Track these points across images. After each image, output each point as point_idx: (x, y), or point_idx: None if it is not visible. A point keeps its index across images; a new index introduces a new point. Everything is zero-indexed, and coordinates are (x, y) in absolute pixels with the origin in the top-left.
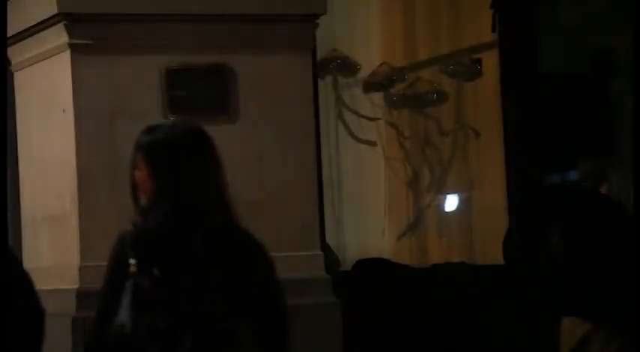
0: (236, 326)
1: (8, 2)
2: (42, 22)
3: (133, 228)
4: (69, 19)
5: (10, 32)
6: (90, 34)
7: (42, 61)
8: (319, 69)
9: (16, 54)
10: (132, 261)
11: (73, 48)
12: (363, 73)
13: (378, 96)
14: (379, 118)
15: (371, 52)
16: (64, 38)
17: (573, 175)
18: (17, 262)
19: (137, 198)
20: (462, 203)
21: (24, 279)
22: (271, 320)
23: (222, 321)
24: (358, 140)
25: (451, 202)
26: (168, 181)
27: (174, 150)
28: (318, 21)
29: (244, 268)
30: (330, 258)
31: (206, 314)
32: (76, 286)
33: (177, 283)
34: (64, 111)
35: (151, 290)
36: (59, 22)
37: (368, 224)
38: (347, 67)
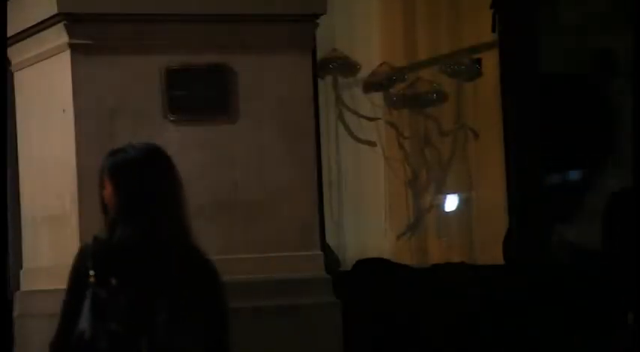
0: (187, 336)
1: (8, 2)
2: (42, 22)
3: (94, 240)
4: (69, 19)
5: (10, 32)
6: (90, 34)
7: (42, 61)
8: (319, 69)
9: (16, 54)
10: (91, 272)
11: (73, 48)
12: (363, 73)
13: (378, 96)
14: (379, 118)
15: (371, 52)
16: (64, 38)
17: (574, 175)
18: None
19: (106, 214)
20: (461, 203)
21: None
22: (219, 336)
23: (175, 330)
24: (358, 140)
25: (451, 202)
26: (130, 199)
27: (135, 170)
28: (318, 21)
29: (196, 285)
30: (330, 258)
31: (160, 322)
32: None
33: (132, 293)
34: (64, 111)
35: (108, 299)
36: (59, 22)
37: (368, 224)
38: (347, 67)
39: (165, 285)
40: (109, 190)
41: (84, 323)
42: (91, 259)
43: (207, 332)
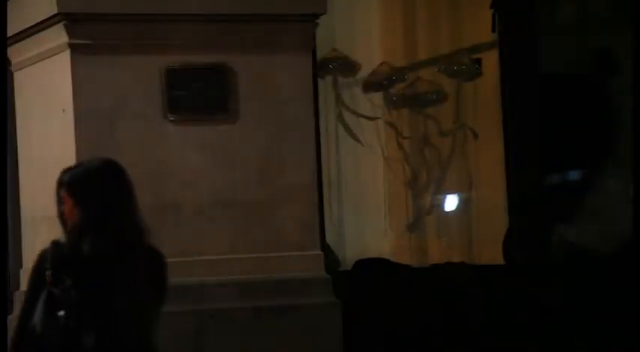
0: (134, 327)
1: (8, 2)
2: (42, 22)
3: (53, 245)
4: (69, 19)
5: (10, 32)
6: (90, 34)
7: (42, 60)
8: (319, 69)
9: (16, 54)
10: (48, 273)
11: (73, 48)
12: (363, 72)
13: (377, 96)
14: (379, 118)
15: (371, 52)
16: (64, 38)
17: (574, 175)
18: None
19: (65, 226)
20: (461, 203)
21: None
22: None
23: (123, 323)
24: (358, 140)
25: (451, 202)
26: (91, 211)
27: (95, 183)
28: (318, 21)
29: (147, 282)
30: (330, 257)
31: (109, 316)
32: None
33: (85, 292)
34: (64, 111)
35: (62, 297)
36: (59, 22)
37: (368, 224)
38: (347, 66)
39: (126, 284)
40: (69, 204)
41: (36, 318)
42: (50, 262)
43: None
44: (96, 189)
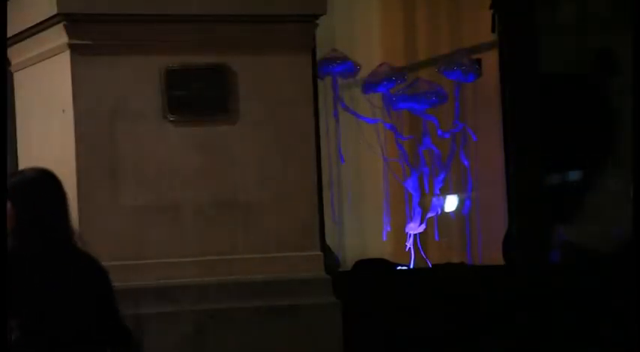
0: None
1: (8, 2)
2: (42, 23)
3: None
4: (68, 19)
5: (10, 32)
6: (90, 34)
7: (42, 61)
8: (319, 69)
9: (15, 54)
10: None
11: (73, 48)
12: (363, 73)
13: (377, 97)
14: (379, 118)
15: (371, 52)
16: (64, 38)
17: (574, 175)
18: None
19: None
20: (461, 203)
21: None
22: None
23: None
24: (358, 140)
25: (451, 202)
26: (24, 214)
27: (26, 191)
28: (318, 21)
29: (82, 287)
30: (330, 258)
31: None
32: None
33: (25, 292)
34: (63, 111)
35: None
36: (59, 22)
37: (368, 224)
38: (347, 67)
39: (66, 282)
40: (8, 207)
41: None
42: None
43: (105, 312)
44: (30, 195)
